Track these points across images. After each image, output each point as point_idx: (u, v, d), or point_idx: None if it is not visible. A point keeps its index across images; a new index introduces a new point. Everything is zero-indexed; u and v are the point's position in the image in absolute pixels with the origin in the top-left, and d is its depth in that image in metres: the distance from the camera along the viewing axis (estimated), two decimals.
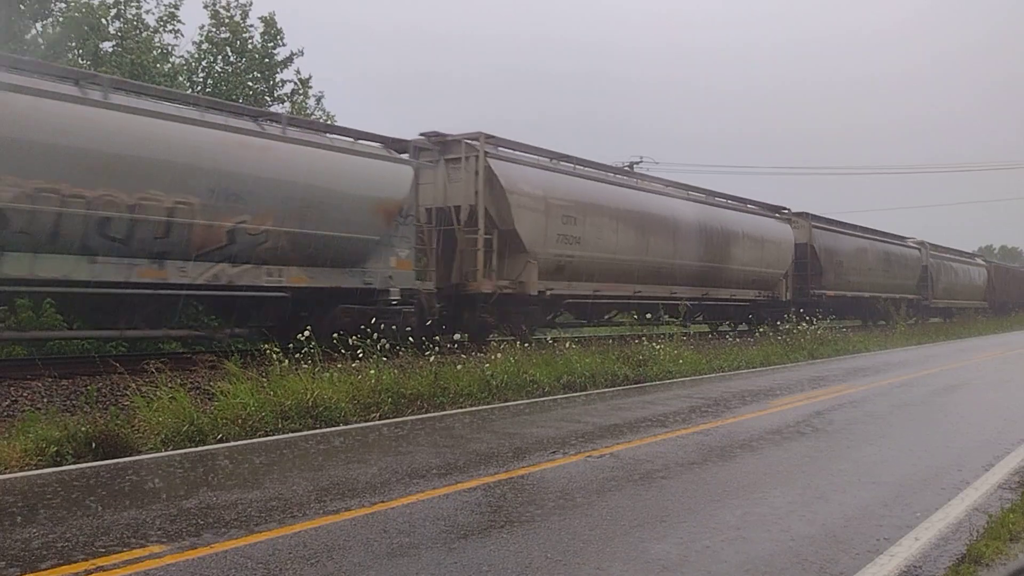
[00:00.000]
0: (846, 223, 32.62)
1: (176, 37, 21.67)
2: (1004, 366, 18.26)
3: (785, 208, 28.03)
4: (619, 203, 19.16)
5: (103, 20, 19.69)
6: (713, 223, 22.73)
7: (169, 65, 20.51)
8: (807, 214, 28.73)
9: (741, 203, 25.61)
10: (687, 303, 20.65)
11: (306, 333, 10.33)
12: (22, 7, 18.72)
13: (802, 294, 27.41)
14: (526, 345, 13.48)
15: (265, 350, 9.96)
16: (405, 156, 14.86)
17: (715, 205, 23.87)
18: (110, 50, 19.16)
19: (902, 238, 37.27)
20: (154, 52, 20.18)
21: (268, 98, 22.37)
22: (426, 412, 9.68)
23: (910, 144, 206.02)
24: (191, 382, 9.51)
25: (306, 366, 9.79)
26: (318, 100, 23.55)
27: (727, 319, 25.96)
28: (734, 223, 23.87)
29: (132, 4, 20.79)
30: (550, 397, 11.34)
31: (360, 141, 14.27)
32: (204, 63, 22.20)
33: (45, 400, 8.49)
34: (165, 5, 21.30)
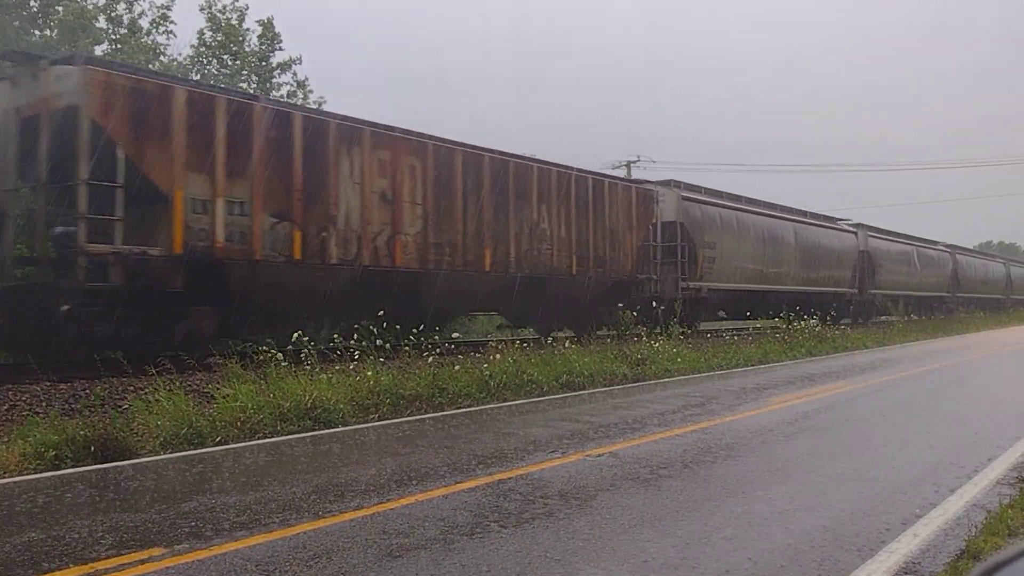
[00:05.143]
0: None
1: (168, 39, 21.75)
2: (1002, 363, 18.28)
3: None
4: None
5: (94, 22, 19.71)
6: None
7: (159, 64, 20.53)
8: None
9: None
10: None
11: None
12: (24, 13, 18.75)
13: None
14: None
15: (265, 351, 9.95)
16: None
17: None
18: (103, 54, 19.17)
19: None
20: (147, 54, 20.23)
21: None
22: (425, 413, 9.68)
23: (914, 146, 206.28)
24: (189, 384, 9.51)
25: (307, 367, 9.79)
26: (319, 104, 23.55)
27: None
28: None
29: (127, 9, 20.82)
30: (549, 397, 11.34)
31: None
32: (198, 66, 22.25)
33: (44, 404, 8.48)
34: (158, 7, 21.39)
